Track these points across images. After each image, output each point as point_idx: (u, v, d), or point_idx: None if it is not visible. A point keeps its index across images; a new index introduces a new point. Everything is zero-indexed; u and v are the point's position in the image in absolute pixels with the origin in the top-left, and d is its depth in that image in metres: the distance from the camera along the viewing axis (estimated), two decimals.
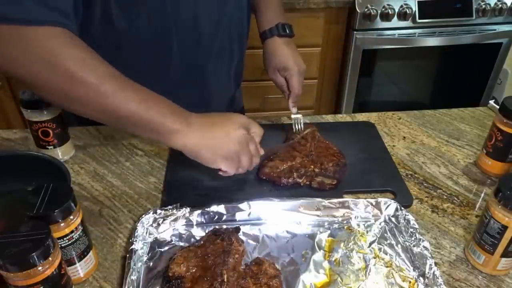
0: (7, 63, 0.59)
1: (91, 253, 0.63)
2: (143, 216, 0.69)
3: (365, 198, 0.73)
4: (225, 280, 0.58)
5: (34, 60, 0.58)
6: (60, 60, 0.59)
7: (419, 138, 0.94)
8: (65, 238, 0.57)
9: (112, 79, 0.63)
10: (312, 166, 0.80)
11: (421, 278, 0.62)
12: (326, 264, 0.64)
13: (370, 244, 0.68)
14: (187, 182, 0.79)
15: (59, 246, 0.55)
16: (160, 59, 0.84)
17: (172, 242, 0.68)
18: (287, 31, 0.93)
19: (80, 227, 0.59)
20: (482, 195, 0.79)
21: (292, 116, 0.92)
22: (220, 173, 0.73)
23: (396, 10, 1.79)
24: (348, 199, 0.73)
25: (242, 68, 1.04)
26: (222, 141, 0.69)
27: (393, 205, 0.72)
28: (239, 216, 0.71)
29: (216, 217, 0.71)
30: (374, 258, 0.65)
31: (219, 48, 0.90)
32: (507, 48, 1.99)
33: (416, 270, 0.63)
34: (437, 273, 0.61)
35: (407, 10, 1.78)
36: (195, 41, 0.85)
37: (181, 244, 0.67)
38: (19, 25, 0.57)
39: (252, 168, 0.76)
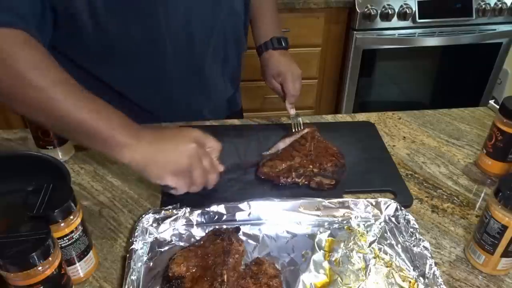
0: None
1: (91, 253, 0.63)
2: (143, 216, 0.69)
3: (365, 198, 0.73)
4: (225, 280, 0.58)
5: None
6: (11, 61, 0.58)
7: (419, 138, 0.94)
8: (65, 238, 0.57)
9: (64, 85, 0.61)
10: (311, 166, 0.80)
11: (421, 278, 0.62)
12: (326, 264, 0.64)
13: (370, 244, 0.68)
14: None
15: (59, 246, 0.55)
16: (155, 65, 0.84)
17: (172, 242, 0.68)
18: (282, 44, 0.97)
19: (80, 227, 0.59)
20: (482, 195, 0.79)
21: (291, 118, 0.92)
22: (172, 191, 0.68)
23: (396, 10, 1.79)
24: (348, 199, 0.73)
25: (239, 71, 1.04)
26: (170, 156, 0.65)
27: (393, 205, 0.72)
28: (239, 216, 0.71)
29: (216, 217, 0.71)
30: (374, 258, 0.65)
31: (213, 53, 0.90)
32: (507, 48, 1.99)
33: (416, 270, 0.63)
34: (437, 273, 0.61)
35: (407, 10, 1.78)
36: (189, 46, 0.85)
37: (181, 244, 0.67)
38: None
39: (210, 185, 0.71)
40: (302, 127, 0.91)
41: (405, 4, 1.78)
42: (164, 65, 0.84)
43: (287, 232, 0.70)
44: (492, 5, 1.84)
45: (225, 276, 0.59)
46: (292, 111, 0.93)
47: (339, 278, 0.62)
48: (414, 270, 0.64)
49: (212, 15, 0.85)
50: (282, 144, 0.87)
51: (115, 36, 0.76)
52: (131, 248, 0.64)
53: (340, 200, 0.72)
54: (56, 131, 0.64)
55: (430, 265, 0.62)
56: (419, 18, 1.82)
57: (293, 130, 0.91)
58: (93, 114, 0.62)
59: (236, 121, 0.98)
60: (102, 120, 0.62)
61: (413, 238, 0.67)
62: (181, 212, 0.70)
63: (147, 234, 0.68)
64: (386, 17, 1.79)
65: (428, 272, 0.61)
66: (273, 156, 0.83)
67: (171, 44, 0.82)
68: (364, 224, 0.71)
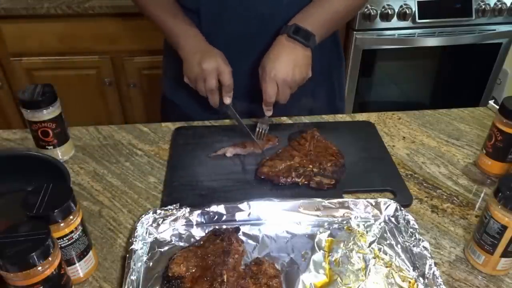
0: None
1: (91, 253, 0.63)
2: (143, 216, 0.69)
3: (365, 198, 0.73)
4: (225, 280, 0.58)
5: None
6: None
7: (419, 138, 0.94)
8: (65, 238, 0.57)
9: (167, 11, 0.93)
10: (311, 166, 0.80)
11: (420, 278, 0.62)
12: (326, 264, 0.64)
13: (370, 244, 0.68)
14: (187, 182, 0.79)
15: (59, 246, 0.55)
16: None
17: (172, 242, 0.68)
18: (300, 36, 0.83)
19: (80, 227, 0.59)
20: (482, 195, 0.79)
21: (259, 122, 0.88)
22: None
23: (396, 10, 1.79)
24: (348, 199, 0.73)
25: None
26: (187, 66, 0.88)
27: (393, 205, 0.72)
28: (239, 216, 0.71)
29: (216, 217, 0.71)
30: (374, 258, 0.65)
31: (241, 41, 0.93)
32: (507, 48, 1.99)
33: (416, 270, 0.63)
34: (437, 273, 0.61)
35: (407, 10, 1.78)
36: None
37: (181, 244, 0.67)
38: None
39: (213, 100, 0.88)
40: (264, 135, 0.87)
41: (405, 4, 1.78)
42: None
43: (287, 232, 0.70)
44: (492, 5, 1.84)
45: (225, 276, 0.59)
46: (268, 113, 0.86)
47: (338, 278, 0.62)
48: (413, 270, 0.64)
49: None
50: (231, 150, 0.85)
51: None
52: (130, 248, 0.64)
53: (340, 200, 0.72)
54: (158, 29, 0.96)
55: (430, 265, 0.62)
56: (419, 18, 1.81)
57: (255, 137, 0.87)
58: (173, 25, 0.92)
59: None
60: (175, 28, 0.92)
61: (412, 238, 0.67)
62: (181, 212, 0.70)
63: (147, 234, 0.68)
64: (386, 17, 1.79)
65: (428, 272, 0.61)
66: (273, 156, 0.83)
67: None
68: (364, 224, 0.71)
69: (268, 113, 0.86)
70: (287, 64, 0.83)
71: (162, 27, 0.94)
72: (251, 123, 0.93)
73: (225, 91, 0.87)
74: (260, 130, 0.88)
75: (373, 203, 0.72)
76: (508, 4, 1.84)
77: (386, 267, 0.64)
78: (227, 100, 0.88)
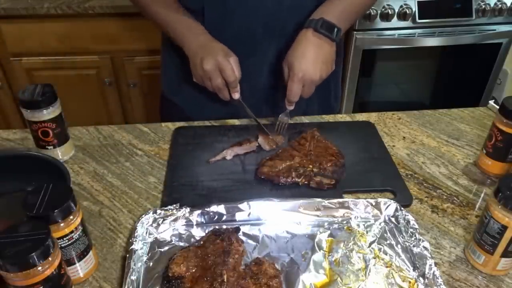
0: None
1: (91, 253, 0.63)
2: (143, 216, 0.69)
3: (365, 198, 0.73)
4: (225, 280, 0.58)
5: None
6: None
7: (419, 138, 0.94)
8: (65, 238, 0.57)
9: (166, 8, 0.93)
10: (311, 166, 0.80)
11: (421, 278, 0.62)
12: (326, 264, 0.64)
13: (370, 244, 0.68)
14: (187, 182, 0.79)
15: (59, 246, 0.55)
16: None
17: (172, 242, 0.68)
18: (327, 30, 0.83)
19: (80, 227, 0.59)
20: (482, 195, 0.79)
21: (280, 116, 0.90)
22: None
23: (396, 10, 1.79)
24: (348, 199, 0.73)
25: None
26: (192, 65, 0.89)
27: (393, 205, 0.72)
28: (239, 216, 0.71)
29: (216, 217, 0.71)
30: (374, 258, 0.65)
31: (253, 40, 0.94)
32: (507, 48, 1.99)
33: (416, 270, 0.63)
34: (437, 273, 0.61)
35: (407, 10, 1.78)
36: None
37: (181, 244, 0.67)
38: None
39: (222, 96, 0.88)
40: (285, 131, 0.90)
41: (405, 4, 1.78)
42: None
43: (287, 232, 0.70)
44: (492, 5, 1.84)
45: (225, 276, 0.59)
46: (290, 107, 0.87)
47: (339, 278, 0.62)
48: (414, 270, 0.64)
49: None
50: (230, 152, 0.85)
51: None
52: (131, 248, 0.64)
53: (340, 200, 0.72)
54: (159, 28, 0.97)
55: (430, 265, 0.62)
56: (419, 18, 1.81)
57: (275, 129, 0.90)
58: (176, 23, 0.92)
59: (236, 121, 0.98)
60: (178, 27, 0.91)
61: (413, 238, 0.67)
62: (181, 212, 0.70)
63: (147, 234, 0.68)
64: (386, 17, 1.79)
65: (428, 272, 0.61)
66: (273, 156, 0.83)
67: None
68: (364, 224, 0.71)
69: (290, 107, 0.88)
70: (314, 63, 0.83)
71: (165, 27, 0.93)
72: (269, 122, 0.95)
73: (231, 87, 0.87)
74: (281, 124, 0.90)
75: (373, 203, 0.72)
76: (508, 4, 1.84)
77: (386, 267, 0.64)
78: (236, 96, 0.88)
